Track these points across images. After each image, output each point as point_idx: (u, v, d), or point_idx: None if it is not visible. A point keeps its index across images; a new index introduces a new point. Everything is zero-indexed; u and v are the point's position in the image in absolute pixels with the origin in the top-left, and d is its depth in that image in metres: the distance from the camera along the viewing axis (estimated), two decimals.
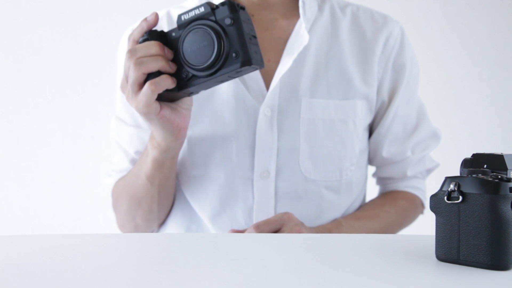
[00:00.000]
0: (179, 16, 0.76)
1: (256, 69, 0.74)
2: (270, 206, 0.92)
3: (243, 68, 0.73)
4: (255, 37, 0.74)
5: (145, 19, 0.78)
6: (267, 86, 0.93)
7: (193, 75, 0.76)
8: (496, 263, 0.51)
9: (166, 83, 0.76)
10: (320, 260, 0.57)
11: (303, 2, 0.96)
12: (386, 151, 1.01)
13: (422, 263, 0.55)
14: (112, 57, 1.09)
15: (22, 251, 0.63)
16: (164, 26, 0.98)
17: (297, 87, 0.93)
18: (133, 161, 0.99)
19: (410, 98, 1.01)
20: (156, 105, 0.77)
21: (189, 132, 0.92)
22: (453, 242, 0.53)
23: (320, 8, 0.98)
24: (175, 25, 0.98)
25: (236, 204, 0.93)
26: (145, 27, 0.78)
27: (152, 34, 0.77)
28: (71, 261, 0.58)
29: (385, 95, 0.99)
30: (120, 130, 0.99)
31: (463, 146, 1.90)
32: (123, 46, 1.00)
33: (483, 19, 2.00)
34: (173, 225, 0.98)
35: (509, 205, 0.51)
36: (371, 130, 1.02)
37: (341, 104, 0.94)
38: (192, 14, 0.75)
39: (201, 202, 0.95)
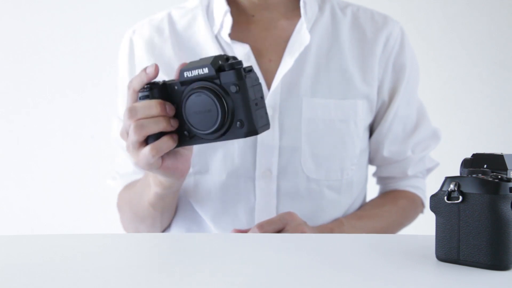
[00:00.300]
0: (182, 72, 0.71)
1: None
2: (272, 205, 0.92)
3: (248, 137, 0.71)
4: (262, 97, 0.71)
5: (145, 70, 0.74)
6: (268, 86, 0.93)
7: (196, 135, 0.73)
8: (496, 263, 0.51)
9: (167, 145, 0.74)
10: (322, 260, 0.57)
11: (304, 2, 0.96)
12: (387, 151, 1.01)
13: (422, 263, 0.55)
14: (112, 57, 1.09)
15: (22, 251, 0.63)
16: (165, 27, 0.98)
17: (298, 87, 0.93)
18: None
19: (410, 98, 1.02)
20: (158, 161, 0.76)
21: None
22: (453, 242, 0.53)
23: (321, 9, 0.98)
24: (176, 27, 0.99)
25: (238, 204, 0.93)
26: (144, 80, 0.74)
27: (153, 89, 0.74)
28: (71, 261, 0.58)
29: (385, 95, 0.99)
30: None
31: (463, 146, 1.90)
32: (125, 48, 1.00)
33: (483, 19, 2.00)
34: (175, 226, 0.99)
35: (509, 205, 0.51)
36: (371, 130, 1.02)
37: (341, 104, 0.94)
38: (195, 73, 0.70)
39: (203, 202, 0.95)
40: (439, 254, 0.55)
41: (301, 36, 0.94)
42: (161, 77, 0.85)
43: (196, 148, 0.93)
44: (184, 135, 0.74)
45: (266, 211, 0.92)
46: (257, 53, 0.94)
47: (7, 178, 1.92)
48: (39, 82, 1.90)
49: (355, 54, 0.97)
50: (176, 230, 0.98)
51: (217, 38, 0.95)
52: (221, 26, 0.94)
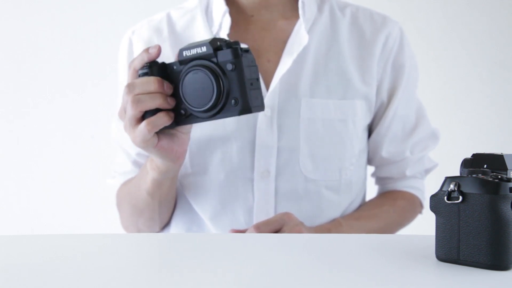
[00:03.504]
0: (181, 51, 0.74)
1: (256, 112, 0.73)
2: (270, 206, 0.92)
3: (242, 115, 0.72)
4: (257, 79, 0.73)
5: (147, 50, 0.76)
6: (267, 86, 0.93)
7: (191, 114, 0.75)
8: (496, 263, 0.51)
9: (163, 121, 0.75)
10: (320, 260, 0.57)
11: (303, 3, 0.96)
12: (385, 151, 1.01)
13: (422, 263, 0.55)
14: (113, 57, 1.09)
15: (22, 251, 0.63)
16: (164, 28, 0.98)
17: (297, 87, 0.93)
18: (135, 163, 0.99)
19: (409, 98, 1.02)
20: (154, 138, 0.77)
21: None
22: (453, 242, 0.53)
23: (320, 9, 0.98)
24: (174, 27, 0.99)
25: (237, 204, 0.93)
26: (145, 59, 0.76)
27: (152, 67, 0.76)
28: (71, 261, 0.58)
29: (384, 95, 0.99)
30: (121, 131, 0.99)
31: (463, 146, 1.90)
32: (124, 48, 1.00)
33: (483, 19, 2.00)
34: (174, 226, 0.99)
35: (509, 205, 0.51)
36: (370, 130, 1.02)
37: (340, 104, 0.94)
38: (194, 51, 0.73)
39: (202, 202, 0.95)
40: (439, 254, 0.55)
41: (300, 37, 0.94)
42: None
43: (195, 149, 0.93)
44: (181, 114, 0.76)
45: (264, 211, 0.92)
46: (256, 54, 0.94)
47: (7, 178, 1.92)
48: (39, 82, 1.90)
49: (354, 54, 0.97)
50: (175, 230, 0.98)
51: None
52: (220, 26, 0.94)
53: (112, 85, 1.11)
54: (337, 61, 0.95)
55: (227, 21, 0.93)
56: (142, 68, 0.77)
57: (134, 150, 0.98)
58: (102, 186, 1.12)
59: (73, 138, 1.90)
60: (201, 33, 0.96)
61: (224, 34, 0.93)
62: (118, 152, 1.02)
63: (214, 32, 0.95)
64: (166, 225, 1.00)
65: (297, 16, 0.97)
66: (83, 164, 1.89)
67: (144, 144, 0.77)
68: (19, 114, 1.91)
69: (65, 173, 1.90)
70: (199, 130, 0.93)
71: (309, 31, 0.95)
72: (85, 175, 1.88)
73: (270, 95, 0.92)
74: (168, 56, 0.95)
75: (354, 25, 0.98)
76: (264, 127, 0.91)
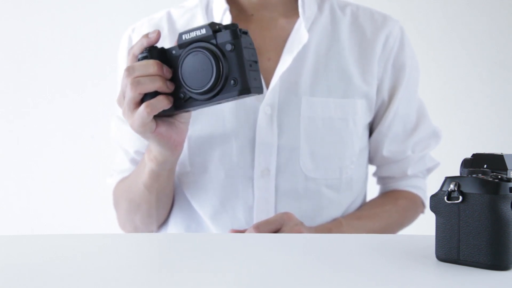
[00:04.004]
0: (180, 35, 0.74)
1: (255, 95, 0.73)
2: (271, 204, 0.92)
3: (241, 96, 0.72)
4: (256, 62, 0.73)
5: (147, 35, 0.76)
6: (267, 84, 0.93)
7: (191, 97, 0.75)
8: (496, 263, 0.51)
9: (162, 104, 0.75)
10: (320, 260, 0.57)
11: (303, 2, 0.96)
12: (387, 150, 1.01)
13: (422, 263, 0.55)
14: (112, 57, 1.09)
15: (22, 251, 0.63)
16: (164, 26, 0.98)
17: (297, 86, 0.93)
18: (133, 161, 0.99)
19: (410, 97, 1.02)
20: (152, 123, 0.77)
21: (189, 131, 0.92)
22: (453, 242, 0.53)
23: (320, 8, 0.98)
24: (175, 25, 0.99)
25: (237, 202, 0.93)
26: (145, 44, 0.76)
27: (152, 51, 0.76)
28: (71, 261, 0.58)
29: (385, 94, 0.99)
30: (120, 130, 0.99)
31: (463, 146, 1.90)
32: (124, 46, 1.00)
33: (483, 19, 2.00)
34: (173, 224, 0.99)
35: (509, 205, 0.51)
36: (371, 129, 1.02)
37: (341, 102, 0.94)
38: (193, 34, 0.73)
39: (202, 201, 0.95)
40: (439, 254, 0.55)
41: (300, 35, 0.94)
42: None
43: (194, 147, 0.93)
44: (180, 98, 0.76)
45: (264, 210, 0.92)
46: (256, 52, 0.94)
47: (7, 178, 1.92)
48: (39, 82, 1.90)
49: (354, 53, 0.97)
50: (174, 228, 0.98)
51: None
52: None
53: (112, 85, 1.11)
54: (337, 59, 0.95)
55: (227, 19, 0.93)
56: (141, 52, 0.77)
57: (132, 148, 0.98)
58: (102, 186, 1.12)
59: (73, 138, 1.90)
60: None
61: None
62: (117, 150, 1.02)
63: None
64: (164, 223, 1.00)
65: (297, 15, 0.97)
66: (83, 164, 1.89)
67: (142, 128, 0.76)
68: (19, 114, 1.91)
69: (65, 173, 1.90)
70: (199, 128, 0.93)
71: (309, 30, 0.95)
72: (85, 175, 1.88)
73: (270, 93, 0.92)
74: None
75: (354, 24, 0.98)
76: (264, 125, 0.91)
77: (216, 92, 0.72)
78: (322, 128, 0.93)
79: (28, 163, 1.91)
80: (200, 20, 0.97)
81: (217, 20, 0.95)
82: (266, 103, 0.91)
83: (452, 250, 0.54)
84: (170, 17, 0.99)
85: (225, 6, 0.94)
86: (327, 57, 0.95)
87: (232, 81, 0.71)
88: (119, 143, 1.00)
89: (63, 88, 1.90)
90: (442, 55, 1.99)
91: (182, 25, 0.98)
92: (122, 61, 1.00)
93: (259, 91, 0.73)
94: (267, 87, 0.93)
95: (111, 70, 1.15)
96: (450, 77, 2.00)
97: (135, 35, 0.99)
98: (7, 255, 0.61)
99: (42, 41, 1.89)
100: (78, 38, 1.89)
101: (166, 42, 0.96)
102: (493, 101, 2.01)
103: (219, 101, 0.73)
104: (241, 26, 0.96)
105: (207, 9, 0.98)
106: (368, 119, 0.99)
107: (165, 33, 0.97)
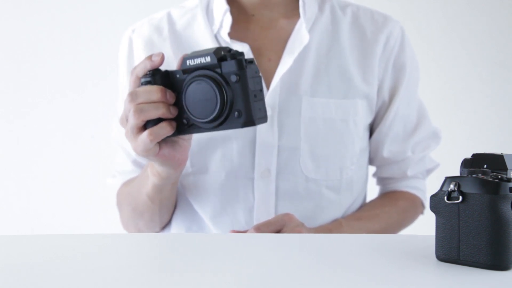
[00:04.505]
0: (184, 60, 0.73)
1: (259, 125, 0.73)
2: (271, 205, 0.92)
3: (245, 127, 0.72)
4: (261, 90, 0.72)
5: (150, 58, 0.75)
6: (268, 85, 0.93)
7: (194, 124, 0.74)
8: (496, 263, 0.51)
9: (165, 131, 0.75)
10: (321, 261, 0.57)
11: (303, 2, 0.96)
12: (387, 151, 1.01)
13: (422, 263, 0.55)
14: (112, 57, 1.09)
15: (22, 251, 0.63)
16: (164, 27, 0.98)
17: (298, 86, 0.93)
18: (135, 162, 0.99)
19: (410, 98, 1.02)
20: (155, 147, 0.76)
21: None
22: (453, 242, 0.53)
23: (321, 8, 0.98)
24: (175, 26, 0.99)
25: (237, 203, 0.93)
26: (148, 67, 0.75)
27: (155, 76, 0.75)
28: (71, 261, 0.58)
29: (385, 95, 0.99)
30: (121, 131, 0.99)
31: (463, 146, 1.90)
32: (124, 47, 1.00)
33: (483, 19, 2.00)
34: (175, 226, 0.99)
35: (509, 205, 0.51)
36: (371, 129, 1.02)
37: (341, 103, 0.94)
38: (197, 61, 0.72)
39: (202, 202, 0.95)
40: (439, 254, 0.55)
41: (301, 36, 0.94)
42: None
43: (195, 148, 0.93)
44: (183, 123, 0.75)
45: (265, 211, 0.92)
46: (257, 53, 0.94)
47: (7, 178, 1.92)
48: (39, 82, 1.90)
49: (355, 54, 0.97)
50: (176, 229, 0.98)
51: (216, 37, 0.95)
52: (221, 25, 0.94)
53: (112, 85, 1.11)
54: (338, 60, 0.95)
55: (227, 20, 0.93)
56: (144, 76, 0.76)
57: None
58: (102, 186, 1.12)
59: (73, 138, 1.90)
60: (201, 32, 0.96)
61: (224, 33, 0.93)
62: (118, 151, 1.02)
63: (215, 31, 0.95)
64: (166, 225, 1.00)
65: (298, 16, 0.97)
66: (83, 164, 1.89)
67: (145, 153, 0.77)
68: (19, 114, 1.91)
69: (65, 173, 1.90)
70: None
71: (310, 31, 0.95)
72: (85, 175, 1.88)
73: (270, 94, 0.92)
74: (168, 55, 0.95)
75: (355, 25, 0.98)
76: (264, 126, 0.91)
77: (220, 122, 0.72)
78: (322, 129, 0.93)
79: (28, 163, 1.91)
80: (201, 21, 0.96)
81: (217, 20, 0.95)
82: (266, 104, 0.91)
83: (452, 250, 0.54)
84: (170, 17, 0.99)
85: (225, 7, 0.94)
86: (327, 57, 0.95)
87: (236, 113, 0.71)
88: (121, 144, 1.00)
89: (63, 88, 1.90)
90: (442, 55, 1.99)
91: (182, 25, 0.98)
92: (123, 62, 1.00)
93: (264, 121, 0.73)
94: (268, 88, 0.93)
95: (111, 70, 1.15)
96: (450, 77, 2.00)
97: (135, 36, 0.99)
98: (7, 255, 0.61)
99: (42, 41, 1.89)
100: (78, 38, 1.89)
101: (167, 43, 0.96)
102: (493, 101, 2.01)
103: (222, 130, 0.73)
104: (242, 26, 0.96)
105: (208, 10, 0.98)
106: (368, 119, 0.99)
107: (165, 34, 0.97)
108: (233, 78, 0.70)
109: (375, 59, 0.97)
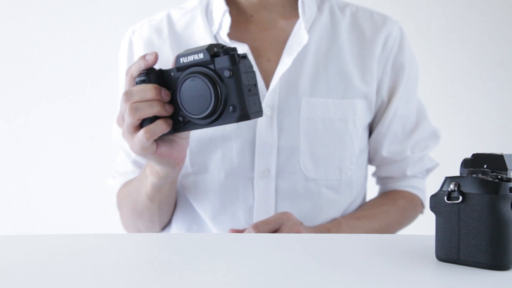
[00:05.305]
0: (178, 58, 0.73)
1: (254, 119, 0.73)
2: (271, 205, 0.92)
3: (240, 121, 0.72)
4: (255, 85, 0.73)
5: (144, 57, 0.76)
6: (267, 85, 0.93)
7: (190, 121, 0.75)
8: (496, 263, 0.51)
9: (161, 128, 0.75)
10: (320, 260, 0.57)
11: (303, 2, 0.96)
12: (386, 151, 1.01)
13: (422, 263, 0.55)
14: (112, 57, 1.09)
15: (22, 251, 0.63)
16: (164, 27, 0.98)
17: (297, 86, 0.93)
18: (135, 163, 0.99)
19: (409, 98, 1.02)
20: (152, 146, 0.77)
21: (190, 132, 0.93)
22: (453, 242, 0.53)
23: (320, 9, 0.98)
24: (174, 27, 0.99)
25: (237, 203, 0.93)
26: (142, 66, 0.76)
27: (149, 74, 0.75)
28: (71, 261, 0.58)
29: (384, 95, 0.99)
30: (120, 132, 0.99)
31: (463, 146, 1.90)
32: (124, 48, 1.00)
33: (483, 19, 2.00)
34: (175, 226, 0.99)
35: (509, 205, 0.51)
36: (371, 129, 1.02)
37: (340, 103, 0.94)
38: (191, 58, 0.72)
39: (202, 201, 0.95)
40: (439, 254, 0.55)
41: (300, 36, 0.94)
42: None
43: (195, 148, 0.93)
44: (179, 120, 0.76)
45: (264, 211, 0.92)
46: (256, 53, 0.94)
47: (7, 178, 1.92)
48: (39, 82, 1.90)
49: (354, 54, 0.97)
50: (176, 229, 0.98)
51: (216, 38, 0.95)
52: (220, 26, 0.94)
53: (112, 85, 1.11)
54: (337, 60, 0.95)
55: (227, 20, 0.93)
56: (139, 75, 0.76)
57: None
58: (102, 186, 1.13)
59: (73, 138, 1.90)
60: (201, 33, 0.96)
61: (224, 34, 0.93)
62: (119, 152, 1.02)
63: (214, 32, 0.95)
64: (166, 225, 1.00)
65: (297, 16, 0.97)
66: (83, 164, 1.89)
67: (142, 151, 0.77)
68: (19, 114, 1.91)
69: (65, 173, 1.90)
70: (199, 130, 0.92)
71: (309, 31, 0.95)
72: (85, 175, 1.88)
73: (270, 95, 0.92)
74: (168, 56, 0.95)
75: (354, 25, 0.99)
76: (264, 126, 0.91)
77: (215, 118, 0.73)
78: (322, 129, 0.93)
79: (28, 163, 1.91)
80: (200, 22, 0.97)
81: (216, 21, 0.95)
82: (266, 104, 0.91)
83: (452, 250, 0.54)
84: (170, 18, 0.99)
85: (224, 7, 0.94)
86: (326, 58, 0.95)
87: (231, 107, 0.71)
88: (121, 145, 1.00)
89: (63, 88, 1.90)
90: (442, 55, 1.99)
91: (182, 26, 0.98)
92: (123, 63, 1.01)
93: (259, 115, 0.73)
94: (267, 88, 0.93)
95: (111, 70, 1.15)
96: (450, 77, 2.00)
97: (135, 37, 0.99)
98: (7, 255, 0.61)
99: (42, 41, 1.89)
100: (78, 38, 1.89)
101: (166, 44, 0.96)
102: (493, 101, 2.01)
103: (218, 125, 0.74)
104: (241, 26, 0.96)
105: (207, 11, 0.98)
106: (367, 119, 0.99)
107: (165, 35, 0.97)
108: (227, 74, 0.71)
109: (374, 59, 0.97)
